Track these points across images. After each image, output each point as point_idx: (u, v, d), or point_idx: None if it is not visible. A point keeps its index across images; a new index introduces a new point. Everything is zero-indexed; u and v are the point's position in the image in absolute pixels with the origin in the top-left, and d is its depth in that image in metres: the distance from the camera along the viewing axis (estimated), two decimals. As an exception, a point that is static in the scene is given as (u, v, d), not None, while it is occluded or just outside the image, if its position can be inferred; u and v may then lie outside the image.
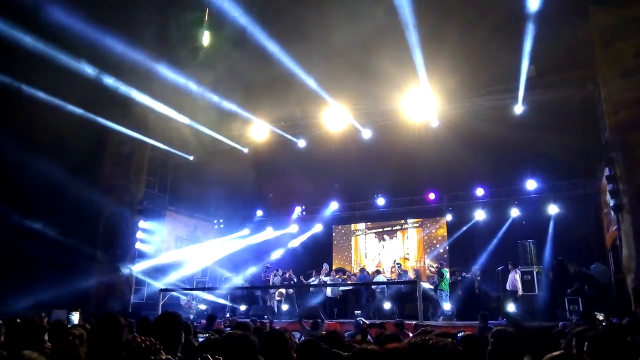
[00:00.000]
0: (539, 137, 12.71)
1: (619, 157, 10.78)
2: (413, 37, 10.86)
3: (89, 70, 12.23)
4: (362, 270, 15.78)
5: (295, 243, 18.22)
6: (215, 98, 13.45)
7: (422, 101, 13.38)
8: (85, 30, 10.92)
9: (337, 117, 14.40)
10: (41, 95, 12.63)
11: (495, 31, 11.35)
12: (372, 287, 14.23)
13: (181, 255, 16.84)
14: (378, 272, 15.60)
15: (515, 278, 13.07)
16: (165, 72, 12.38)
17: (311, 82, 12.64)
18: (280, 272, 16.08)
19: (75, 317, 12.05)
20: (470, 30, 11.02)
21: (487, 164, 14.22)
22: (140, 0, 11.37)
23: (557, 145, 12.34)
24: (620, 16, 10.74)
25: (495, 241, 15.07)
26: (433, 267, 15.07)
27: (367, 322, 9.02)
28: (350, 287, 14.87)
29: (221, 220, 19.13)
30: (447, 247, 16.81)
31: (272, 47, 11.73)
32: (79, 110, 13.33)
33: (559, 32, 11.08)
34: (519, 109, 13.30)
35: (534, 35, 11.14)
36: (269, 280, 16.07)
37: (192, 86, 12.95)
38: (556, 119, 12.57)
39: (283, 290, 15.40)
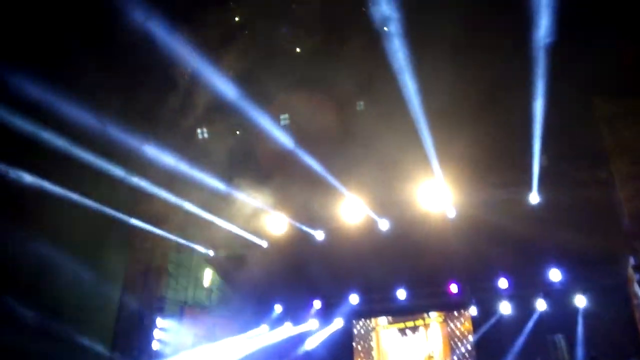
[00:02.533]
0: (557, 226, 12.65)
1: (642, 245, 10.61)
2: (424, 128, 11.31)
3: (110, 167, 12.72)
4: None
5: (314, 342, 17.66)
6: (235, 193, 13.89)
7: (437, 192, 13.61)
8: (101, 128, 11.50)
9: (354, 209, 14.63)
10: (60, 191, 13.04)
11: (505, 124, 11.82)
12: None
13: (199, 356, 16.38)
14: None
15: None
16: (185, 168, 12.91)
17: (328, 175, 13.04)
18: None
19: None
20: (481, 122, 11.48)
21: (508, 254, 14.05)
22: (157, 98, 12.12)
23: (576, 234, 12.25)
24: (624, 106, 11.12)
25: (523, 337, 14.46)
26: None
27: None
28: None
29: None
30: (474, 344, 16.09)
31: (287, 141, 12.28)
32: (99, 206, 13.72)
33: (566, 122, 11.47)
34: (534, 198, 13.39)
35: (542, 126, 11.52)
36: None
37: (212, 181, 13.42)
38: (573, 207, 12.58)
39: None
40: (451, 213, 14.21)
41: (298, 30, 9.81)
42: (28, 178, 12.52)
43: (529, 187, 13.28)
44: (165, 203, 14.27)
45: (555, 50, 9.05)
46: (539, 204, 13.40)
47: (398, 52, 9.27)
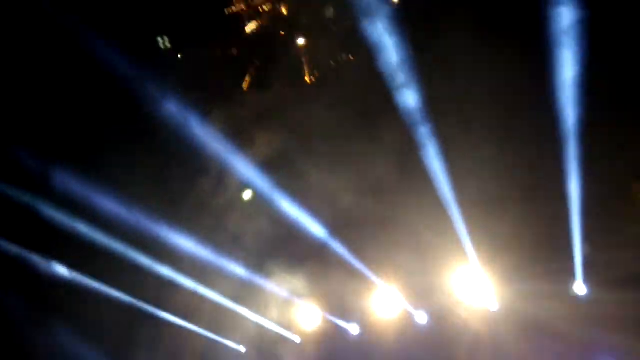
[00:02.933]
0: (606, 320, 12.01)
1: None
2: (460, 217, 11.23)
3: (139, 258, 12.74)
4: None
5: None
6: (266, 284, 13.73)
7: (477, 283, 13.25)
8: (133, 219, 11.65)
9: (390, 301, 14.23)
10: (91, 283, 12.97)
11: (543, 211, 11.67)
12: None
13: None
14: None
15: None
16: (215, 257, 12.87)
17: (362, 265, 12.86)
18: None
19: None
20: (519, 209, 11.35)
21: (556, 350, 13.21)
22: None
23: (629, 329, 11.57)
24: (665, 190, 10.92)
25: None
26: None
27: None
28: None
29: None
30: None
31: (322, 232, 12.27)
32: (129, 299, 13.60)
33: (606, 208, 11.26)
34: (579, 289, 12.84)
35: (582, 213, 11.33)
36: None
37: (242, 272, 13.31)
38: (620, 299, 11.98)
39: None
40: (492, 305, 13.66)
41: (331, 116, 10.17)
42: (59, 270, 12.62)
43: (573, 277, 12.77)
44: (195, 295, 14.15)
45: (589, 134, 9.13)
46: (585, 296, 12.84)
47: (433, 140, 9.50)
